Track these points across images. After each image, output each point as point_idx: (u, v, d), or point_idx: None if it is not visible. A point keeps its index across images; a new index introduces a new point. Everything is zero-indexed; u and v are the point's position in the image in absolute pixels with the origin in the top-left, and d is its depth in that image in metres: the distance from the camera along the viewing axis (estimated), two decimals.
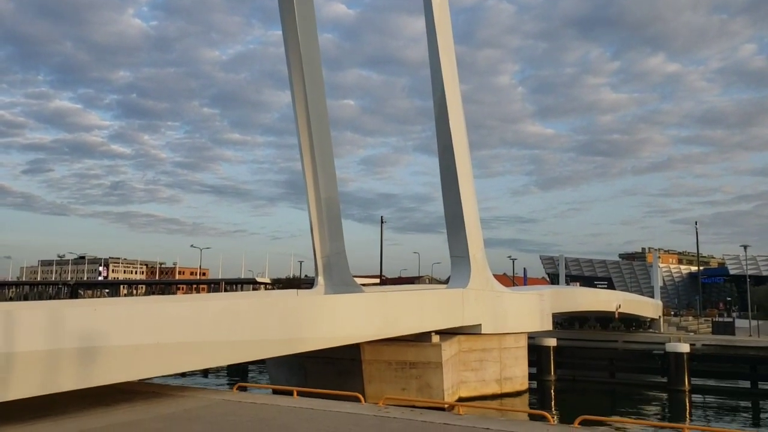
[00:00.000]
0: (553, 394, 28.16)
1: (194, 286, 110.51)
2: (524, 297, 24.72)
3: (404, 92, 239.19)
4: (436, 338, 19.69)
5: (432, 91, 23.10)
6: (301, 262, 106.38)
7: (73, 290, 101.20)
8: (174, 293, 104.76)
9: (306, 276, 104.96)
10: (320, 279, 25.09)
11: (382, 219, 59.00)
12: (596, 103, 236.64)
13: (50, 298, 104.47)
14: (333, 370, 20.12)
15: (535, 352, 28.57)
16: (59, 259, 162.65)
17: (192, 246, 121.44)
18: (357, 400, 11.85)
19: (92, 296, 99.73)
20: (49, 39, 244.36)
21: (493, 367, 22.32)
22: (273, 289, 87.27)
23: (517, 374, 23.38)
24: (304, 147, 25.05)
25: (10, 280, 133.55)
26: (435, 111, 22.86)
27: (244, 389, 12.84)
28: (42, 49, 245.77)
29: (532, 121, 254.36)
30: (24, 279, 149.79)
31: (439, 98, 22.58)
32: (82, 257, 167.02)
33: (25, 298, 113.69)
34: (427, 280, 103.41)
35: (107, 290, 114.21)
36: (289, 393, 12.32)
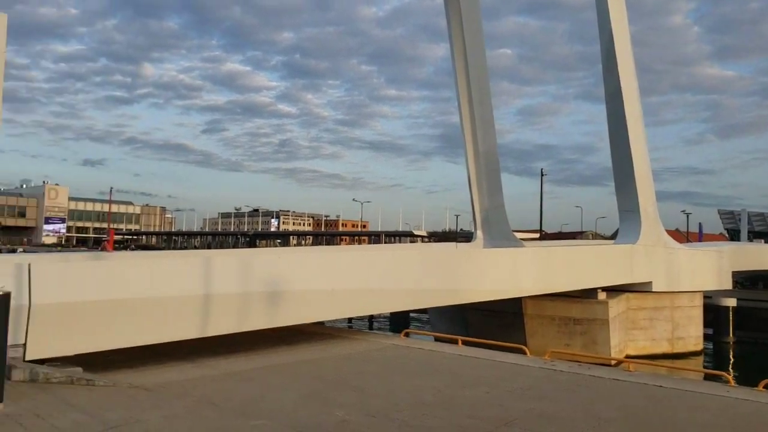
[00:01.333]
0: (731, 356, 26.38)
1: (356, 237, 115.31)
2: (700, 254, 23.17)
3: (564, 38, 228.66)
4: (602, 295, 19.16)
5: (599, 34, 21.89)
6: (457, 216, 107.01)
7: (251, 240, 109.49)
8: (338, 244, 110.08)
9: (461, 230, 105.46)
10: (479, 233, 25.19)
11: (542, 171, 57.36)
12: None
13: (230, 247, 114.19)
14: (494, 323, 20.30)
15: (712, 312, 26.77)
16: (236, 211, 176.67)
17: (353, 200, 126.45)
18: (521, 352, 11.97)
19: (266, 245, 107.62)
20: (220, 5, 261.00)
21: (664, 326, 21.33)
22: (429, 241, 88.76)
23: (691, 334, 22.15)
24: (462, 100, 24.95)
25: (195, 230, 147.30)
26: (602, 55, 21.71)
27: (410, 336, 13.44)
28: (214, 15, 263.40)
29: (710, 64, 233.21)
30: (207, 230, 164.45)
31: (607, 41, 21.38)
32: (256, 210, 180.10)
33: (209, 247, 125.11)
34: (590, 236, 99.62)
35: (279, 240, 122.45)
36: (453, 342, 12.72)
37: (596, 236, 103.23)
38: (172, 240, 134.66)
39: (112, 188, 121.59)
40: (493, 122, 25.14)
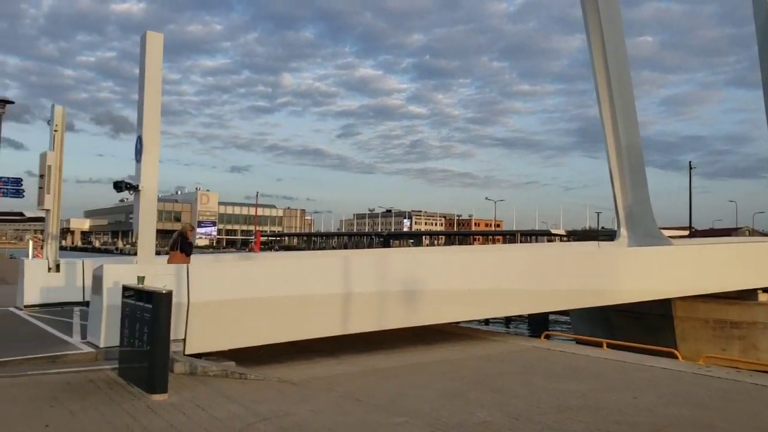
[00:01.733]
0: None
1: (490, 237, 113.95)
2: None
3: (712, 20, 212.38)
4: (764, 296, 17.58)
5: (753, 14, 20.08)
6: (598, 213, 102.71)
7: (386, 240, 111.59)
8: (471, 244, 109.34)
9: (603, 228, 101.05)
10: (623, 231, 23.92)
11: (690, 164, 53.63)
12: None
13: (365, 246, 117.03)
14: (640, 326, 19.25)
15: None
16: (370, 212, 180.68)
17: (486, 198, 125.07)
18: (671, 356, 11.26)
19: (399, 245, 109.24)
20: (352, 11, 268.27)
21: None
22: (568, 241, 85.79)
23: None
24: (601, 91, 23.85)
25: (332, 231, 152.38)
26: (758, 35, 19.90)
27: (550, 338, 13.07)
28: (347, 22, 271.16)
29: None
30: (343, 230, 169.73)
31: (764, 20, 19.57)
32: (389, 211, 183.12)
33: (345, 247, 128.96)
34: (747, 232, 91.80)
35: (411, 240, 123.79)
36: (597, 345, 12.21)
37: (753, 233, 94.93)
38: (312, 241, 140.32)
39: (258, 193, 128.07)
40: (635, 114, 23.81)
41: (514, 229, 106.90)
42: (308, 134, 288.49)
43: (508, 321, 30.73)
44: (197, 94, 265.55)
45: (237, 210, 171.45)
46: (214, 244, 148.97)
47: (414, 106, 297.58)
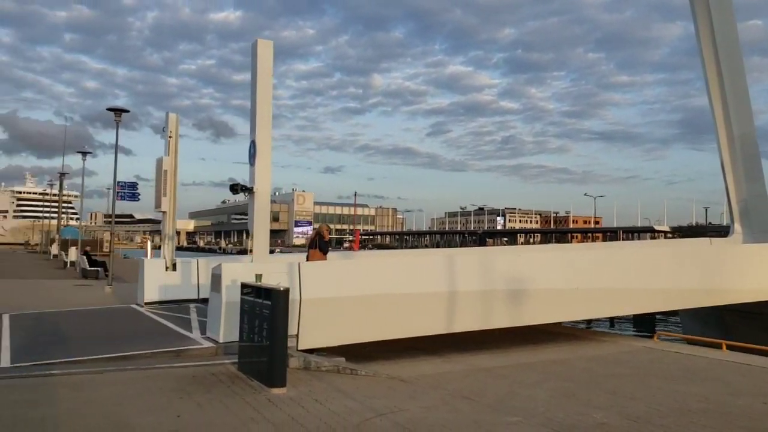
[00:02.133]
0: None
1: (588, 234, 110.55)
2: None
3: None
4: None
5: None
6: (706, 209, 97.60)
7: (481, 239, 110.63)
8: (568, 242, 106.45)
9: (710, 223, 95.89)
10: (737, 226, 22.58)
11: None
12: None
13: (458, 245, 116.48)
14: (757, 326, 18.06)
15: None
16: (462, 210, 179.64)
17: (585, 195, 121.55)
18: None
19: (493, 244, 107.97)
20: (442, 9, 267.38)
21: None
22: (673, 237, 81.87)
23: None
24: (711, 79, 22.60)
25: (424, 230, 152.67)
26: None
27: (664, 339, 12.56)
28: (436, 20, 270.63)
29: None
30: (434, 229, 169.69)
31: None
32: (481, 208, 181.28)
33: (437, 246, 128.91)
34: None
35: (506, 239, 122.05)
36: (714, 346, 11.63)
37: None
38: (403, 239, 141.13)
39: (356, 193, 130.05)
40: (749, 102, 22.42)
41: (615, 225, 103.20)
42: (398, 133, 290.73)
43: (612, 321, 29.71)
44: (292, 98, 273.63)
45: (331, 210, 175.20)
46: None
47: (506, 101, 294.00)
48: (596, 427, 6.71)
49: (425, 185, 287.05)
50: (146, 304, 14.17)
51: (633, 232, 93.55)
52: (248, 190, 9.55)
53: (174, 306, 13.97)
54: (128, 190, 20.88)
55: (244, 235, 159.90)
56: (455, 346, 11.36)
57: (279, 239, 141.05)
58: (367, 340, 10.17)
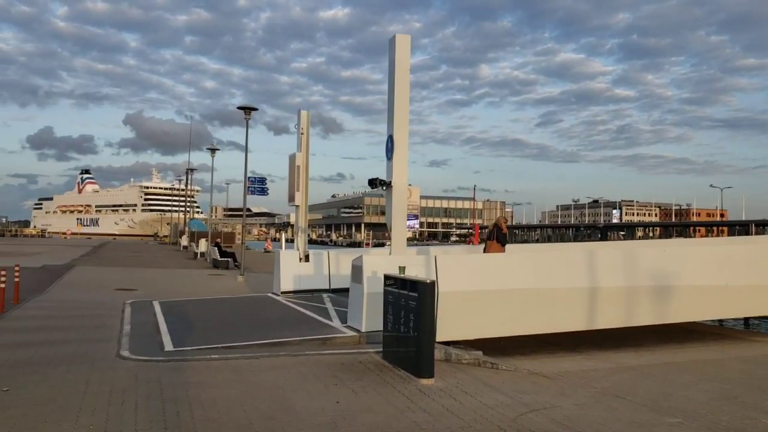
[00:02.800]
0: None
1: (713, 228, 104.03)
2: None
3: None
4: None
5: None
6: None
7: (602, 232, 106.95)
8: (690, 236, 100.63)
9: None
10: None
11: None
12: None
13: (570, 240, 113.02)
14: None
15: None
16: (574, 203, 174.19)
17: (711, 186, 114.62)
18: None
19: (610, 239, 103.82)
20: None
21: None
22: None
23: None
24: None
25: (534, 223, 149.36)
26: None
27: None
28: (546, 7, 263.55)
29: None
30: (546, 222, 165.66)
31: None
32: (596, 201, 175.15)
33: (548, 240, 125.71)
34: None
35: (623, 233, 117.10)
36: None
37: None
38: (512, 233, 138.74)
39: (475, 186, 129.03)
40: None
41: (744, 218, 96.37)
42: (506, 124, 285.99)
43: (746, 320, 27.73)
44: None
45: (437, 203, 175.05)
46: (417, 236, 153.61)
47: (621, 89, 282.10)
48: None
49: (534, 177, 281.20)
50: (282, 293, 14.74)
51: (766, 226, 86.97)
52: (386, 185, 9.67)
53: (308, 295, 14.44)
54: (258, 185, 21.79)
55: (353, 228, 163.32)
56: (595, 344, 11.00)
57: (387, 232, 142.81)
58: (504, 335, 10.06)
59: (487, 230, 13.55)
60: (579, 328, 10.45)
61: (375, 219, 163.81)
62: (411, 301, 7.70)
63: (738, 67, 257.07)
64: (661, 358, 10.17)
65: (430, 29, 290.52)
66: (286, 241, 16.28)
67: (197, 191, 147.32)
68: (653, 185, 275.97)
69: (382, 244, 65.76)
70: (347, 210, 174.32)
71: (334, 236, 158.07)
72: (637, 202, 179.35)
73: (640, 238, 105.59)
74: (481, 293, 9.68)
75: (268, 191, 22.11)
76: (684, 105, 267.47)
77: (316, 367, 8.04)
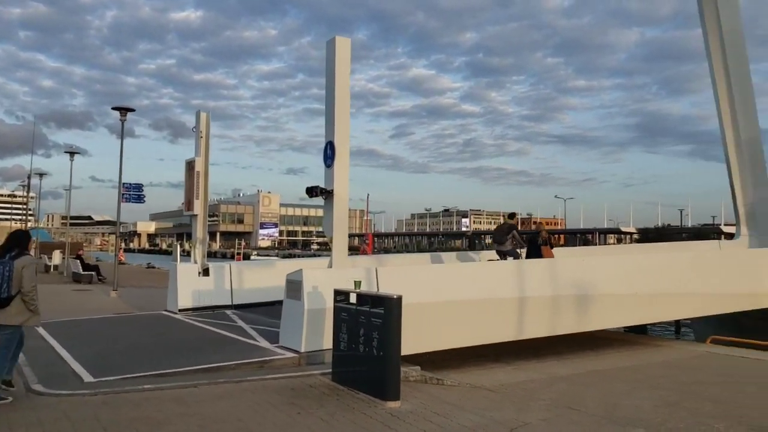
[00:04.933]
0: None
1: (554, 235, 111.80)
2: None
3: None
4: None
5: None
6: (681, 210, 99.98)
7: (471, 241, 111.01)
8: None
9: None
10: (743, 229, 22.93)
11: None
12: None
13: (426, 247, 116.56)
14: None
15: None
16: (427, 212, 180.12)
17: (556, 197, 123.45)
18: None
19: (461, 245, 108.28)
20: (405, 12, 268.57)
21: None
22: (639, 239, 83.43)
23: None
24: (719, 85, 22.89)
25: (385, 231, 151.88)
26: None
27: (719, 343, 12.53)
28: (399, 23, 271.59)
29: None
30: (401, 231, 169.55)
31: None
32: (447, 210, 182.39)
33: (405, 248, 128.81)
34: None
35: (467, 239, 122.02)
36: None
37: None
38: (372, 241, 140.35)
39: (368, 195, 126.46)
40: (755, 107, 22.80)
41: (582, 227, 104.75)
42: (362, 135, 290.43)
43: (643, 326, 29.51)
44: (254, 98, 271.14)
45: (297, 211, 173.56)
46: (276, 245, 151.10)
47: (467, 104, 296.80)
48: None
49: (389, 187, 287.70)
50: (180, 310, 13.51)
51: (600, 233, 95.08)
52: (327, 193, 9.12)
53: (210, 313, 13.36)
54: (134, 192, 20.05)
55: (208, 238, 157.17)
56: (515, 354, 11.08)
57: (244, 241, 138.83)
58: (443, 348, 9.85)
59: (538, 237, 14.83)
60: (508, 338, 10.49)
61: (231, 227, 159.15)
62: (374, 318, 7.22)
63: (570, 87, 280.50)
64: (585, 366, 10.42)
65: (287, 37, 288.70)
66: (186, 253, 14.92)
67: (31, 198, 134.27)
68: (496, 195, 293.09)
69: (249, 255, 63.78)
70: None
71: (187, 246, 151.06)
72: (485, 211, 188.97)
73: (488, 245, 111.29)
74: (423, 306, 9.40)
75: (145, 198, 20.41)
76: (523, 121, 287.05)
77: (266, 393, 7.31)
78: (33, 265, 6.90)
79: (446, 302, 9.72)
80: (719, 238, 27.61)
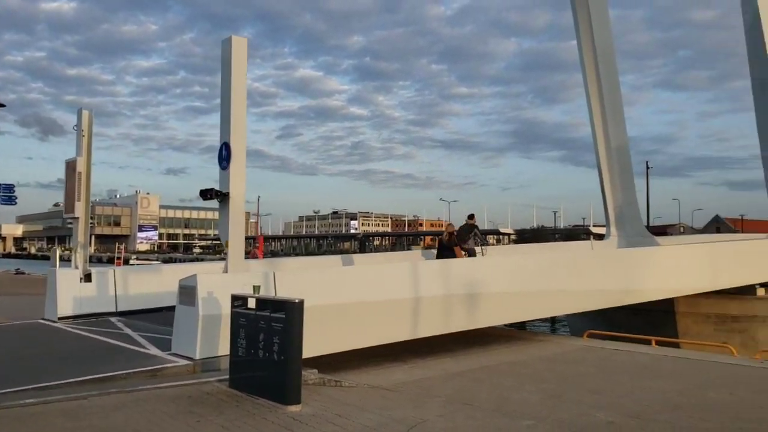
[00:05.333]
0: None
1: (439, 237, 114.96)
2: None
3: (641, 25, 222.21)
4: (761, 291, 18.54)
5: (742, 16, 20.85)
6: (554, 212, 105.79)
7: (362, 243, 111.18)
8: (419, 244, 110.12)
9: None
10: (613, 230, 24.73)
11: (647, 165, 55.38)
12: None
13: (314, 250, 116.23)
14: (641, 321, 19.84)
15: None
16: (316, 214, 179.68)
17: (441, 199, 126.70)
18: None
19: (350, 248, 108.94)
20: (292, 12, 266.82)
21: None
22: (517, 240, 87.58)
23: None
24: (592, 97, 24.57)
25: (273, 234, 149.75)
26: (747, 40, 20.74)
27: (594, 336, 13.43)
28: (286, 23, 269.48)
29: None
30: (289, 233, 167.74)
31: (751, 21, 20.34)
32: (336, 212, 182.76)
33: (293, 250, 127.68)
34: (681, 229, 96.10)
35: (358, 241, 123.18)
36: (640, 342, 12.60)
37: (688, 230, 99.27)
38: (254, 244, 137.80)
39: (259, 197, 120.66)
40: (623, 116, 24.62)
41: None
42: (248, 135, 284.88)
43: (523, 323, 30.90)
44: (132, 95, 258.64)
45: (178, 213, 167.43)
46: (156, 248, 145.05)
47: (355, 107, 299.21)
48: (606, 426, 7.02)
49: (276, 188, 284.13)
50: (60, 319, 12.69)
51: (483, 234, 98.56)
52: (222, 196, 8.93)
53: (93, 320, 12.66)
54: (4, 193, 18.59)
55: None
56: (409, 352, 11.35)
57: (121, 245, 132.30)
58: (341, 350, 9.91)
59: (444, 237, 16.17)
60: (404, 338, 10.71)
61: (108, 230, 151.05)
62: (275, 323, 7.18)
63: (453, 94, 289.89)
64: (476, 362, 10.85)
65: (168, 33, 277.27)
66: (63, 259, 14.04)
67: None
68: (384, 198, 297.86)
69: (128, 260, 60.76)
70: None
71: (59, 250, 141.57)
72: (374, 213, 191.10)
73: (376, 247, 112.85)
74: (321, 308, 9.40)
75: (17, 200, 18.98)
76: (410, 126, 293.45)
77: (161, 403, 7.06)
78: None
79: (345, 304, 9.80)
80: (589, 239, 29.49)
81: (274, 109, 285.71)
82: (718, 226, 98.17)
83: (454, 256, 15.18)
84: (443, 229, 17.81)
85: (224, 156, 9.03)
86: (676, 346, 12.95)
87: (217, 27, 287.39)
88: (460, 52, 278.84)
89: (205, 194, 8.94)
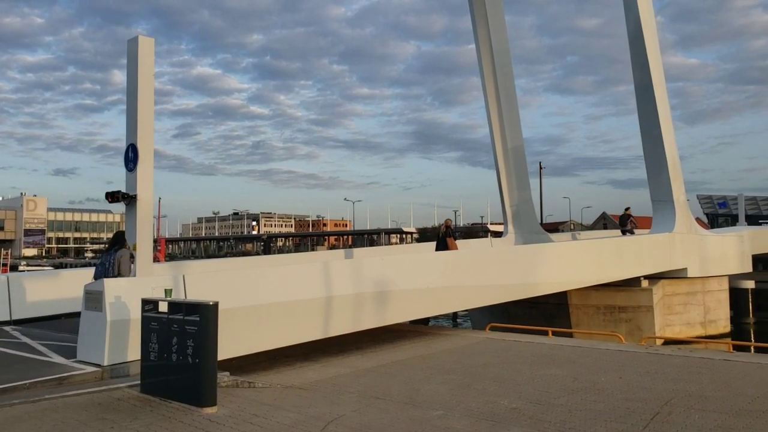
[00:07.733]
0: (752, 337, 27.50)
1: (342, 237, 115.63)
2: (725, 239, 24.22)
3: (532, 31, 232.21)
4: (645, 283, 20.03)
5: (626, 25, 22.43)
6: (455, 211, 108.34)
7: (266, 244, 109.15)
8: (324, 244, 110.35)
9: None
10: (510, 227, 25.91)
11: (540, 165, 58.09)
12: (747, 27, 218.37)
13: (214, 252, 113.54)
14: (537, 314, 20.97)
15: (733, 294, 27.75)
16: (216, 215, 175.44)
17: (345, 199, 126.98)
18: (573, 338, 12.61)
19: (253, 248, 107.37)
20: (188, 9, 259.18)
21: (696, 311, 22.28)
22: (419, 239, 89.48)
23: (721, 317, 23.16)
24: (490, 100, 25.61)
25: (170, 236, 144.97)
26: (630, 48, 22.34)
27: (496, 329, 14.09)
28: (182, 19, 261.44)
29: (674, 52, 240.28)
30: (187, 235, 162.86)
31: (634, 30, 21.94)
32: (237, 213, 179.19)
33: (192, 253, 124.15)
34: (572, 226, 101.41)
35: (262, 243, 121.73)
36: (538, 333, 13.35)
37: (577, 226, 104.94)
38: (155, 247, 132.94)
39: (160, 199, 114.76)
40: (519, 118, 25.83)
41: (368, 228, 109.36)
42: None
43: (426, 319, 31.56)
44: (15, 92, 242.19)
45: (68, 216, 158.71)
46: (45, 253, 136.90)
47: (256, 106, 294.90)
48: (511, 411, 7.49)
49: (172, 189, 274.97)
50: None
51: (385, 233, 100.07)
52: (130, 198, 8.74)
53: None
54: None
55: None
56: (319, 351, 11.54)
57: (6, 250, 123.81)
58: (252, 352, 9.94)
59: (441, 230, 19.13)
60: (316, 337, 10.87)
61: None
62: (189, 326, 7.16)
63: (355, 94, 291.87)
64: (387, 357, 11.16)
65: (56, 27, 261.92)
66: None
67: None
68: (287, 198, 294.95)
69: (14, 267, 57.14)
70: None
71: None
72: (276, 214, 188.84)
73: (280, 248, 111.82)
74: (231, 311, 9.38)
75: None
76: (312, 125, 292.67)
77: (71, 411, 6.87)
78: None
79: (257, 306, 9.83)
80: (487, 236, 30.74)
81: (170, 107, 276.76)
82: (605, 222, 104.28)
83: (447, 247, 18.03)
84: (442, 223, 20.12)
85: (131, 158, 8.85)
86: (570, 336, 13.83)
87: (109, 21, 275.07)
88: (360, 53, 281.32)
89: (113, 197, 8.73)
